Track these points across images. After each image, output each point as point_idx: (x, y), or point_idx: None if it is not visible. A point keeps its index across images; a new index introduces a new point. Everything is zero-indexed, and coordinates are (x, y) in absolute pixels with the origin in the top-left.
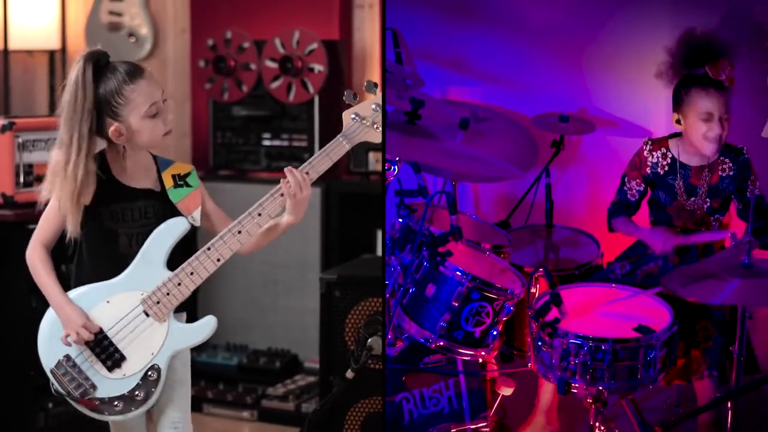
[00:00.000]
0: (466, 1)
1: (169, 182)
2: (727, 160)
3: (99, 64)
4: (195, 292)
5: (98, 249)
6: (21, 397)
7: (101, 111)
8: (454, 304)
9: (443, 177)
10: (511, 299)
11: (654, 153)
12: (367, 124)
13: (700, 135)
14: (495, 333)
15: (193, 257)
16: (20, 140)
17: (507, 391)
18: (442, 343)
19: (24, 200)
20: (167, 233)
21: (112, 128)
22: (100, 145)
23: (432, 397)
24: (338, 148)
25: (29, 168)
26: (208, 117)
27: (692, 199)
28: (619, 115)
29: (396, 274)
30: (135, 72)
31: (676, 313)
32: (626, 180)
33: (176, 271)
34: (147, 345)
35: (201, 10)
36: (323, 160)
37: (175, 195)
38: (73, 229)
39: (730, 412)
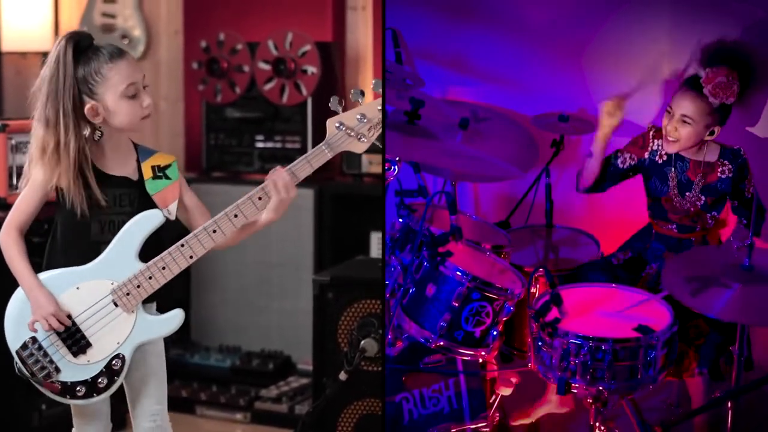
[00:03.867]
0: (466, 1)
1: (148, 173)
2: (726, 162)
3: (80, 45)
4: (188, 293)
5: (70, 234)
6: (14, 397)
7: (80, 90)
8: (455, 304)
9: (443, 177)
10: (511, 299)
11: (656, 140)
12: (351, 134)
13: (664, 127)
14: (495, 333)
15: (166, 252)
16: (13, 142)
17: (506, 391)
18: (442, 343)
19: None
20: (141, 225)
21: (88, 106)
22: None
23: (432, 397)
24: (320, 155)
25: (22, 170)
26: (201, 119)
27: (687, 194)
28: None
29: (396, 274)
30: (116, 53)
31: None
32: (620, 152)
33: (148, 264)
34: (113, 334)
35: (194, 11)
36: (304, 166)
37: (152, 186)
38: (82, 209)
39: (730, 412)
